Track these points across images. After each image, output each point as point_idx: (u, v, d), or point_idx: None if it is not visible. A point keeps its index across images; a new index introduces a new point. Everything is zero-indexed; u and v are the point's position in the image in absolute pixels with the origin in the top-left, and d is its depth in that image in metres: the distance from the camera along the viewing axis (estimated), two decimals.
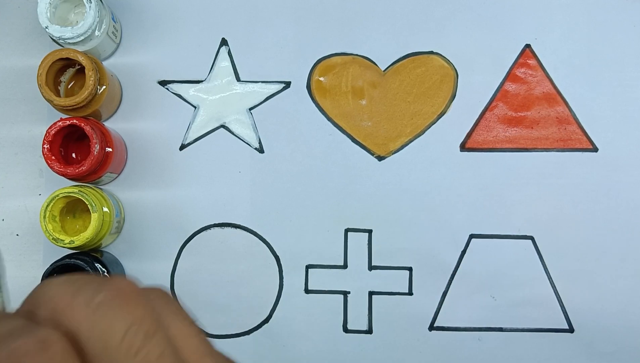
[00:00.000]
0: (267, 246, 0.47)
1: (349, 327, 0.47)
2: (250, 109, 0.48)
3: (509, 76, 0.48)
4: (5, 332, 0.18)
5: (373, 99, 0.48)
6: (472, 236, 0.47)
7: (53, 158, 0.41)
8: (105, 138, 0.43)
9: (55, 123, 0.42)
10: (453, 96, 0.48)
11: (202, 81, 0.48)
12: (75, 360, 0.18)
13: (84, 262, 0.42)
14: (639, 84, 0.47)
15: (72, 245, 0.41)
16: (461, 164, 0.47)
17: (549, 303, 0.47)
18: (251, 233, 0.47)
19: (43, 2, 0.43)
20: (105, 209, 0.43)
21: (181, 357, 0.19)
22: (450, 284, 0.47)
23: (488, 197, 0.47)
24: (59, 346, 0.18)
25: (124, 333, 0.19)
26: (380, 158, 0.47)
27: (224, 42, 0.48)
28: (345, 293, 0.47)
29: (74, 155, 0.46)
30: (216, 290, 0.46)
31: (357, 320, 0.47)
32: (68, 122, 0.42)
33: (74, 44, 0.43)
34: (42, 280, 0.41)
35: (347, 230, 0.47)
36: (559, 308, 0.47)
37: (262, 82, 0.48)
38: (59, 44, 0.45)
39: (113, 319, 0.19)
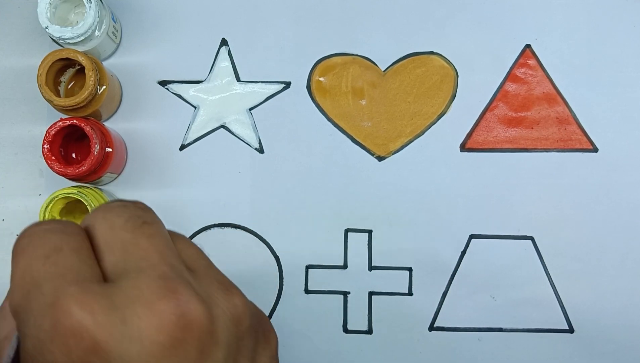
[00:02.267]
0: (267, 246, 0.47)
1: (349, 327, 0.47)
2: (250, 109, 0.48)
3: (509, 76, 0.48)
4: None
5: (373, 99, 0.48)
6: (472, 236, 0.47)
7: (53, 158, 0.41)
8: (105, 138, 0.43)
9: (55, 123, 0.42)
10: (453, 96, 0.48)
11: (202, 81, 0.48)
12: (78, 228, 0.22)
13: None
14: (639, 84, 0.48)
15: None
16: (461, 164, 0.47)
17: (549, 303, 0.47)
18: (251, 233, 0.47)
19: (43, 2, 0.43)
20: None
21: (181, 258, 0.23)
22: (450, 284, 0.47)
23: (488, 197, 0.47)
24: (70, 224, 0.22)
25: (127, 219, 0.22)
26: (380, 158, 0.47)
27: (224, 42, 0.48)
28: (345, 294, 0.47)
29: (74, 155, 0.46)
30: None
31: (357, 320, 0.47)
32: (68, 123, 0.42)
33: (74, 44, 0.43)
34: None
35: (347, 230, 0.47)
36: (559, 308, 0.47)
37: (262, 82, 0.48)
38: (59, 44, 0.45)
39: (122, 211, 0.22)
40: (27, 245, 0.21)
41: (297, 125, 0.47)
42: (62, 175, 0.42)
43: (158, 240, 0.22)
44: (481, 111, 0.48)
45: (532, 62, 0.48)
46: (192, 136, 0.47)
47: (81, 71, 0.42)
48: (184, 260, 0.23)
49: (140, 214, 0.23)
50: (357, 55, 0.48)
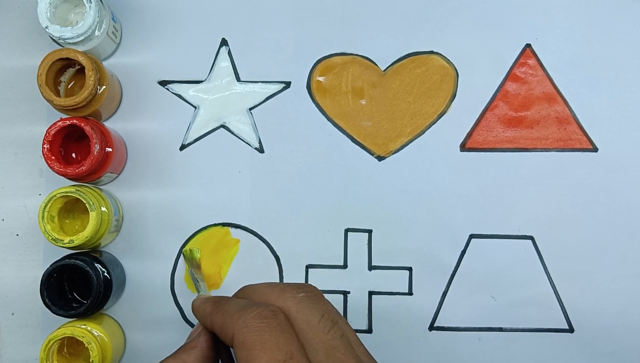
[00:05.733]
0: (267, 246, 0.47)
1: None
2: (250, 109, 0.48)
3: (509, 75, 0.48)
4: (244, 305, 0.28)
5: (373, 99, 0.48)
6: (472, 236, 0.47)
7: (53, 158, 0.41)
8: (105, 138, 0.43)
9: (55, 123, 0.42)
10: (453, 96, 0.48)
11: (202, 81, 0.48)
12: (290, 326, 0.27)
13: (83, 262, 0.42)
14: (639, 84, 0.48)
15: (72, 245, 0.41)
16: (461, 164, 0.47)
17: (549, 303, 0.47)
18: (251, 233, 0.47)
19: (43, 2, 0.43)
20: (104, 208, 0.43)
21: (352, 345, 0.29)
22: (450, 284, 0.47)
23: (488, 197, 0.47)
24: (282, 315, 0.28)
25: (320, 318, 0.28)
26: (380, 158, 0.47)
27: (224, 42, 0.48)
28: (345, 293, 0.47)
29: (74, 155, 0.46)
30: (216, 290, 0.46)
31: (357, 320, 0.47)
32: (68, 122, 0.42)
33: (74, 44, 0.43)
34: (42, 280, 0.41)
35: (347, 230, 0.47)
36: (559, 308, 0.47)
37: (262, 82, 0.48)
38: (59, 44, 0.45)
39: (312, 308, 0.28)
40: (265, 343, 0.26)
41: (297, 125, 0.47)
42: (62, 175, 0.42)
43: (348, 337, 0.29)
44: (481, 111, 0.48)
45: (532, 61, 0.48)
46: (192, 136, 0.47)
47: (81, 71, 0.42)
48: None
49: (329, 311, 0.29)
50: (357, 55, 0.48)
